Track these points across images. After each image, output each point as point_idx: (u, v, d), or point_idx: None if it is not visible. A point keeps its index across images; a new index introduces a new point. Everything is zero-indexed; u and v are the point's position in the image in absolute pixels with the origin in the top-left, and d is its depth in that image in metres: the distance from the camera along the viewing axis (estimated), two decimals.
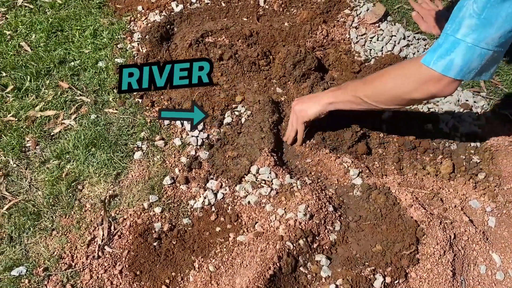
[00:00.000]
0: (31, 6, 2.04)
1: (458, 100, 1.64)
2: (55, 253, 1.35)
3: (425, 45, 1.84)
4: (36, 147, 1.60)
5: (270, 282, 1.13)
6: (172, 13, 1.99)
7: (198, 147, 1.57)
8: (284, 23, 1.94)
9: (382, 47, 1.81)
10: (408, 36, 1.84)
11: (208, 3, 2.03)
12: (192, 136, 1.59)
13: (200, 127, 1.61)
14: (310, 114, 1.40)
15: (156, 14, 1.99)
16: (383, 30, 1.86)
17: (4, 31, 1.94)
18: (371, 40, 1.84)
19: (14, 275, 1.31)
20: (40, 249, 1.37)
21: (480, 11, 0.92)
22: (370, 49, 1.82)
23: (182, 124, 1.63)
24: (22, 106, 1.69)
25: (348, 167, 1.44)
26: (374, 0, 2.01)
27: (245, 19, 1.99)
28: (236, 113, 1.64)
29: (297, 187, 1.37)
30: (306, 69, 1.68)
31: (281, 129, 1.61)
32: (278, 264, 1.16)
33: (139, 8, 2.03)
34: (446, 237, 1.24)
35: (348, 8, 1.95)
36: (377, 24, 1.90)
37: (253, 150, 1.50)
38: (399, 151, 1.52)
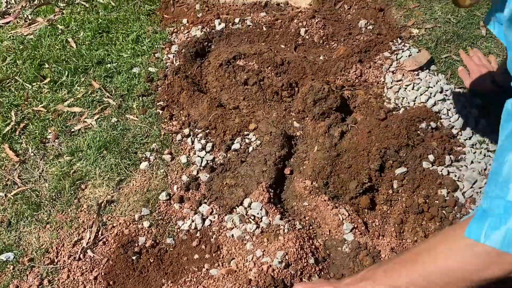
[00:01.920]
0: (87, 5, 2.16)
1: (485, 169, 1.51)
2: (43, 246, 1.41)
3: (464, 102, 1.71)
4: (55, 140, 1.68)
5: None
6: (213, 30, 2.02)
7: (201, 168, 1.57)
8: (320, 56, 1.90)
9: (416, 97, 1.70)
10: (447, 90, 1.71)
11: (250, 25, 2.03)
12: (198, 156, 1.59)
13: (208, 148, 1.61)
14: None
15: (198, 29, 2.02)
16: (420, 79, 1.76)
17: (58, 26, 2.08)
18: (405, 88, 1.74)
19: (2, 259, 1.38)
20: (31, 239, 1.43)
21: None
22: (403, 97, 1.72)
23: (193, 143, 1.64)
24: (53, 99, 1.80)
25: (343, 219, 1.36)
26: (421, 46, 1.91)
27: (282, 46, 1.97)
28: (247, 140, 1.62)
29: (284, 231, 1.32)
30: (326, 107, 1.62)
31: (287, 165, 1.56)
32: None
33: (184, 21, 2.08)
34: None
35: (389, 50, 1.86)
36: (416, 72, 1.79)
37: (251, 182, 1.47)
38: (404, 213, 1.42)
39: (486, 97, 1.73)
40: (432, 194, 1.45)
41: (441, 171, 1.50)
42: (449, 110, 1.67)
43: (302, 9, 2.09)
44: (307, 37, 1.97)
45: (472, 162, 1.54)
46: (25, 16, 2.13)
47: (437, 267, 0.83)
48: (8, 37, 2.03)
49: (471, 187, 1.45)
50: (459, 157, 1.56)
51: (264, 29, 2.02)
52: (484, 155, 1.57)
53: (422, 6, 2.10)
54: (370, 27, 1.98)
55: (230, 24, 2.04)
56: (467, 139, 1.61)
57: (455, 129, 1.62)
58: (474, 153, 1.57)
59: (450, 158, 1.54)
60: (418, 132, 1.59)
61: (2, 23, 2.12)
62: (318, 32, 1.97)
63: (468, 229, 0.79)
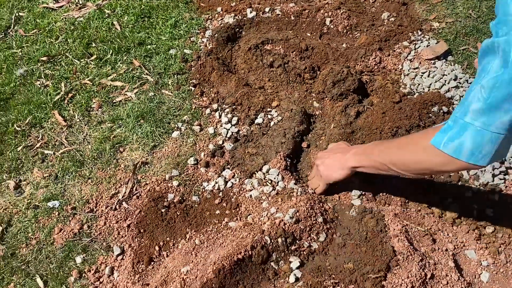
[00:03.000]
0: None
1: None
2: (84, 197, 1.60)
3: None
4: (99, 109, 1.88)
5: (236, 265, 1.25)
6: (244, 18, 2.18)
7: (226, 138, 1.72)
8: (343, 44, 2.03)
9: (430, 84, 1.81)
10: (460, 78, 1.81)
11: (279, 14, 2.18)
12: (225, 128, 1.75)
13: (234, 121, 1.77)
14: (334, 178, 1.41)
15: (231, 17, 2.19)
16: (436, 68, 1.86)
17: (105, 10, 2.29)
18: (421, 75, 1.85)
19: (49, 206, 1.58)
20: (74, 191, 1.63)
21: (486, 95, 0.90)
22: (418, 84, 1.83)
23: (220, 116, 1.80)
24: (98, 74, 2.00)
25: (352, 187, 1.49)
26: (440, 38, 2.01)
27: (308, 34, 2.11)
28: (269, 116, 1.77)
29: (297, 193, 1.46)
30: (344, 89, 1.75)
31: (305, 139, 1.70)
32: (249, 252, 1.27)
33: (219, 9, 2.25)
34: (421, 274, 1.25)
35: (408, 40, 1.97)
36: (433, 61, 1.90)
37: (270, 151, 1.62)
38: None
39: None
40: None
41: None
42: (462, 96, 1.76)
43: (329, 0, 2.22)
44: (332, 26, 2.11)
45: None
46: (77, 1, 2.35)
47: (407, 157, 1.16)
48: (61, 19, 2.26)
49: None
50: None
51: (292, 18, 2.17)
52: None
53: (445, 2, 2.20)
54: (392, 19, 2.09)
55: (261, 12, 2.20)
56: None
57: None
58: None
59: None
60: (430, 115, 1.70)
61: (57, 7, 2.35)
62: (342, 22, 2.10)
63: (434, 138, 1.02)
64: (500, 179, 1.53)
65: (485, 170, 1.54)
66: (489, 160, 0.96)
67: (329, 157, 1.42)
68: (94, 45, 2.12)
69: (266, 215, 1.42)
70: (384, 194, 1.53)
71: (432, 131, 1.06)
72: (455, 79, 1.81)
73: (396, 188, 1.53)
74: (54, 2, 2.37)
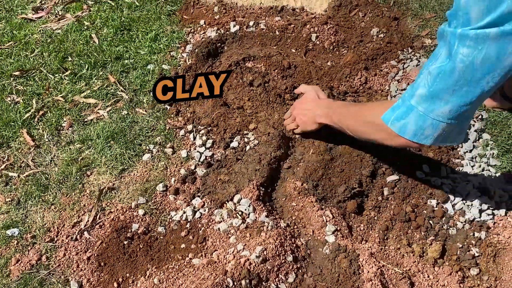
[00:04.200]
0: (112, 4, 2.28)
1: (480, 183, 1.49)
2: (46, 225, 1.52)
3: None
4: (69, 128, 1.80)
5: None
6: (227, 32, 2.08)
7: (199, 163, 1.63)
8: (328, 62, 1.92)
9: None
10: None
11: (263, 28, 2.09)
12: (198, 151, 1.66)
13: (208, 144, 1.67)
14: (310, 129, 1.55)
15: (213, 30, 2.10)
16: None
17: (84, 22, 2.21)
18: None
19: (8, 234, 1.50)
20: (36, 218, 1.54)
21: (431, 82, 0.95)
22: None
23: (194, 139, 1.71)
24: (72, 90, 1.92)
25: (327, 221, 1.39)
26: (429, 55, 1.89)
27: (293, 50, 2.01)
28: (245, 139, 1.67)
29: (267, 228, 1.37)
30: None
31: (282, 165, 1.60)
32: None
33: (202, 22, 2.16)
34: None
35: (396, 59, 1.86)
36: None
37: (243, 179, 1.52)
38: (391, 220, 1.43)
39: (494, 111, 1.71)
40: (422, 203, 1.45)
41: (434, 182, 1.50)
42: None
43: (316, 15, 2.12)
44: (317, 42, 2.01)
45: (468, 175, 1.52)
46: (56, 12, 2.27)
47: (359, 127, 1.29)
48: (39, 31, 2.18)
49: (462, 200, 1.44)
50: (456, 169, 1.55)
51: (277, 33, 2.07)
52: (483, 169, 1.55)
53: (439, 17, 2.09)
54: (382, 35, 1.99)
55: (245, 27, 2.10)
56: (467, 151, 1.60)
57: None
58: (472, 166, 1.55)
59: (446, 169, 1.53)
60: None
61: (35, 18, 2.27)
62: (329, 38, 2.00)
63: (384, 114, 1.10)
64: (488, 215, 1.42)
65: (472, 205, 1.43)
66: (432, 141, 1.03)
67: (305, 108, 1.55)
68: (70, 59, 2.04)
69: (232, 252, 1.32)
70: (362, 229, 1.42)
71: (384, 107, 1.13)
72: None
73: (375, 223, 1.43)
74: (34, 12, 2.29)
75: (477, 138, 1.62)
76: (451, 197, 1.45)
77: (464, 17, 0.85)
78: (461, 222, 1.40)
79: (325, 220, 1.39)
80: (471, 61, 0.86)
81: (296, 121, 1.59)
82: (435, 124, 0.98)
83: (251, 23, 2.10)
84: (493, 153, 1.59)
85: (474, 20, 0.84)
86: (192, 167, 1.62)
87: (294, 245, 1.35)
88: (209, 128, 1.73)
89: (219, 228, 1.42)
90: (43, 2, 2.35)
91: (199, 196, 1.53)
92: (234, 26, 2.10)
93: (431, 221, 1.41)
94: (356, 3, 2.12)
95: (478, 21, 0.83)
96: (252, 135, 1.68)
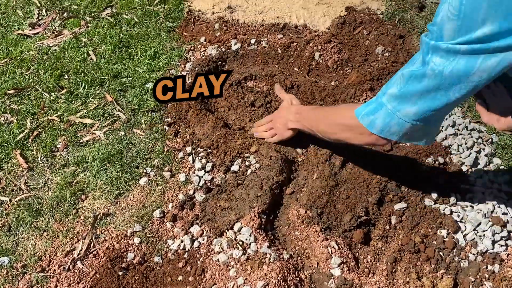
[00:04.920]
0: (111, 20, 2.23)
1: (492, 212, 1.42)
2: (37, 253, 1.45)
3: (477, 138, 1.63)
4: (64, 150, 1.73)
5: None
6: (228, 50, 2.03)
7: (198, 187, 1.57)
8: (332, 81, 1.87)
9: None
10: (459, 125, 1.64)
11: (265, 47, 2.03)
12: (197, 175, 1.59)
13: (208, 168, 1.61)
14: (286, 137, 1.60)
15: (214, 48, 2.04)
16: None
17: (81, 38, 2.15)
18: None
19: None
20: (28, 245, 1.47)
21: (402, 84, 1.00)
22: None
23: (194, 161, 1.64)
24: (67, 109, 1.86)
25: (332, 253, 1.32)
26: None
27: (296, 69, 1.96)
28: (246, 163, 1.61)
29: (269, 260, 1.30)
30: None
31: (284, 191, 1.54)
32: None
33: (202, 39, 2.11)
34: None
35: None
36: None
37: (244, 206, 1.45)
38: (399, 251, 1.36)
39: (504, 134, 1.65)
40: (431, 233, 1.38)
41: (444, 210, 1.43)
42: (460, 145, 1.59)
43: (320, 33, 2.07)
44: (321, 61, 1.95)
45: (479, 203, 1.46)
46: (53, 28, 2.22)
47: (331, 131, 1.36)
48: (35, 47, 2.13)
49: (474, 230, 1.37)
50: (466, 196, 1.48)
51: (279, 51, 2.01)
52: (495, 196, 1.48)
53: None
54: (387, 54, 1.93)
55: (246, 44, 2.05)
56: (477, 177, 1.53)
57: (465, 166, 1.55)
58: (483, 193, 1.49)
59: (456, 196, 1.46)
60: (424, 167, 1.53)
61: (32, 34, 2.22)
62: (332, 57, 1.95)
63: (357, 109, 1.16)
64: (501, 246, 1.35)
65: (484, 235, 1.36)
66: (398, 138, 1.09)
67: (278, 121, 1.60)
68: (66, 77, 1.98)
69: (232, 287, 1.25)
70: (369, 260, 1.35)
71: (355, 106, 1.18)
72: (453, 126, 1.64)
73: (383, 254, 1.36)
74: (30, 28, 2.24)
75: (487, 163, 1.56)
76: (462, 226, 1.39)
77: (438, 33, 0.90)
78: (473, 254, 1.33)
79: (330, 252, 1.32)
80: (440, 71, 0.92)
81: (274, 130, 1.63)
82: (400, 123, 1.04)
83: (252, 41, 2.05)
84: (505, 179, 1.52)
85: (446, 37, 0.89)
86: (191, 192, 1.56)
87: (298, 278, 1.28)
88: (209, 151, 1.66)
89: (218, 259, 1.35)
90: (40, 18, 2.30)
91: (197, 224, 1.46)
92: (235, 43, 2.05)
93: (441, 253, 1.34)
94: (360, 20, 2.07)
95: (449, 39, 0.89)
96: (254, 158, 1.61)
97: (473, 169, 1.55)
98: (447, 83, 0.93)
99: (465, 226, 1.38)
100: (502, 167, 1.57)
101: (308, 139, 1.63)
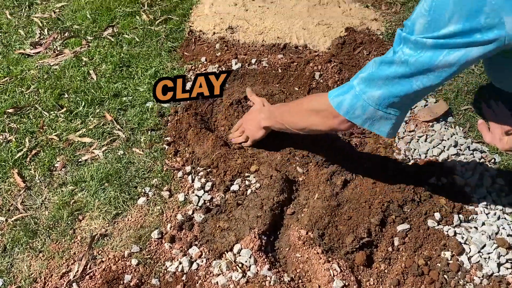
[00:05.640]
0: (112, 39, 2.25)
1: (497, 233, 1.39)
2: (33, 275, 1.41)
3: (479, 159, 1.61)
4: (62, 169, 1.71)
5: None
6: (229, 69, 2.03)
7: (197, 207, 1.54)
8: None
9: (428, 150, 1.62)
10: (461, 145, 1.63)
11: (266, 66, 2.04)
12: (196, 195, 1.57)
13: (207, 187, 1.59)
14: (258, 137, 1.65)
15: (215, 68, 2.05)
16: (434, 131, 1.68)
17: (82, 57, 2.16)
18: (418, 139, 1.67)
19: None
20: (23, 267, 1.44)
21: (374, 69, 1.07)
22: (414, 149, 1.64)
23: (193, 181, 1.62)
24: (67, 128, 1.84)
25: (334, 275, 1.29)
26: (440, 96, 1.84)
27: (296, 88, 1.95)
28: (246, 182, 1.59)
29: (270, 283, 1.26)
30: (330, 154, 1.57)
31: (285, 211, 1.51)
32: None
33: (203, 59, 2.11)
34: None
35: None
36: (430, 123, 1.72)
37: (244, 227, 1.42)
38: (403, 274, 1.33)
39: (506, 154, 1.63)
40: (435, 256, 1.35)
41: (447, 231, 1.40)
42: (463, 166, 1.57)
43: (320, 53, 2.08)
44: (321, 81, 1.95)
45: (483, 224, 1.43)
46: (55, 47, 2.23)
47: (302, 121, 1.39)
48: (36, 66, 2.13)
49: (479, 252, 1.34)
50: (469, 218, 1.46)
51: (280, 71, 2.01)
52: (498, 218, 1.46)
53: None
54: None
55: (247, 64, 2.05)
56: (480, 198, 1.51)
57: (468, 186, 1.53)
58: (487, 214, 1.46)
59: (459, 218, 1.44)
60: (426, 187, 1.51)
61: (33, 53, 2.23)
62: (333, 76, 1.95)
63: (330, 92, 1.22)
64: (507, 269, 1.32)
65: (489, 258, 1.33)
66: (361, 122, 1.13)
67: (249, 124, 1.66)
68: (66, 96, 1.98)
69: None
70: (371, 283, 1.32)
71: (325, 94, 1.25)
72: (455, 146, 1.62)
73: (386, 277, 1.33)
74: (31, 48, 2.25)
75: (491, 184, 1.54)
76: (466, 248, 1.36)
77: (411, 27, 0.99)
78: (479, 277, 1.30)
79: (332, 274, 1.29)
80: (406, 59, 0.99)
81: (245, 133, 1.68)
82: (364, 106, 1.09)
83: (253, 61, 2.05)
84: (509, 200, 1.50)
85: (416, 31, 0.97)
86: (190, 212, 1.53)
87: None
88: (208, 170, 1.64)
89: (217, 282, 1.31)
90: (41, 37, 2.31)
91: (196, 245, 1.44)
92: (236, 63, 2.05)
93: (445, 276, 1.31)
94: (360, 41, 2.08)
95: (419, 33, 0.97)
96: (254, 177, 1.59)
97: (477, 189, 1.53)
98: (411, 71, 1.00)
99: (470, 248, 1.35)
100: (505, 187, 1.55)
101: (309, 157, 1.62)
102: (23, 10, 2.47)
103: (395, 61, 1.02)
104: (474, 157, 1.61)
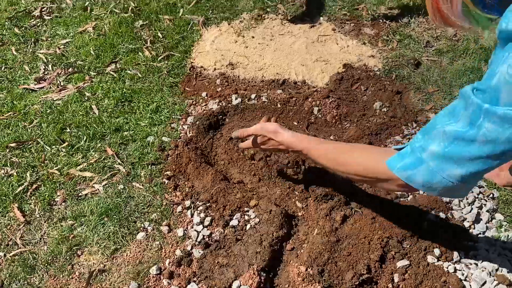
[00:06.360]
0: (115, 75, 2.29)
1: (497, 270, 1.38)
2: None
3: (478, 194, 1.62)
4: (62, 203, 1.72)
5: None
6: (229, 104, 2.07)
7: (196, 243, 1.54)
8: (331, 135, 1.88)
9: None
10: None
11: (265, 101, 2.07)
12: (195, 230, 1.57)
13: (206, 222, 1.59)
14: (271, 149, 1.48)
15: (215, 102, 2.08)
16: None
17: (85, 93, 2.20)
18: None
19: None
20: None
21: (446, 143, 0.92)
22: None
23: (192, 216, 1.63)
24: (68, 162, 1.86)
25: None
26: None
27: (295, 123, 1.98)
28: (246, 217, 1.59)
29: None
30: (329, 189, 1.58)
31: (285, 247, 1.51)
32: None
33: (204, 94, 2.15)
34: None
35: (401, 134, 1.82)
36: None
37: (242, 263, 1.42)
38: None
39: (505, 189, 1.64)
40: None
41: (447, 268, 1.40)
42: (461, 201, 1.58)
43: (318, 88, 2.12)
44: (319, 116, 1.98)
45: (483, 260, 1.42)
46: (58, 82, 2.28)
47: (352, 166, 1.18)
48: (39, 101, 2.17)
49: None
50: (470, 253, 1.45)
51: (279, 105, 2.05)
52: (499, 254, 1.45)
53: (442, 91, 2.08)
54: (385, 109, 1.96)
55: (246, 99, 2.09)
56: (480, 233, 1.51)
57: (467, 221, 1.53)
58: (486, 250, 1.46)
59: (459, 253, 1.43)
60: (425, 222, 1.51)
61: (37, 88, 2.27)
62: (331, 111, 1.98)
63: (390, 159, 1.05)
64: None
65: None
66: (438, 194, 1.00)
67: (270, 148, 1.48)
68: (68, 130, 2.01)
69: None
70: None
71: (385, 153, 1.10)
72: None
73: None
74: (36, 83, 2.29)
75: (489, 219, 1.54)
76: (467, 285, 1.35)
77: (493, 95, 0.83)
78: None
79: None
80: (494, 137, 0.85)
81: (262, 140, 1.48)
82: (444, 182, 0.96)
83: (253, 96, 2.09)
84: (508, 235, 1.50)
85: (503, 102, 0.82)
86: (189, 248, 1.53)
87: None
88: (208, 204, 1.65)
89: None
90: (46, 73, 2.36)
91: (195, 282, 1.42)
92: (236, 98, 2.09)
93: None
94: (358, 77, 2.13)
95: (508, 104, 0.81)
96: (253, 212, 1.60)
97: (476, 225, 1.53)
98: (501, 148, 0.86)
99: (470, 285, 1.34)
100: (504, 223, 1.55)
101: (308, 192, 1.63)
102: (29, 46, 2.53)
103: (478, 140, 0.88)
104: (472, 192, 1.61)
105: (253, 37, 2.48)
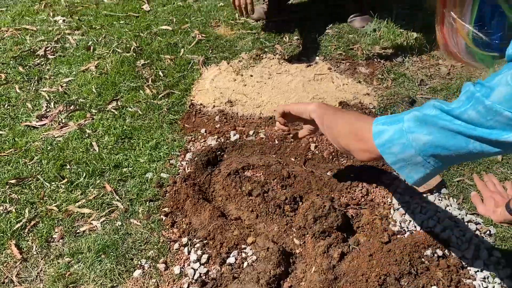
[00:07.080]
0: (116, 112, 2.34)
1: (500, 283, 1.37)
2: None
3: (475, 230, 1.62)
4: (60, 240, 1.72)
5: None
6: (227, 140, 2.10)
7: (193, 281, 1.53)
8: (328, 171, 1.90)
9: (423, 222, 1.64)
10: (456, 216, 1.64)
11: (263, 137, 2.10)
12: (192, 268, 1.56)
13: (203, 260, 1.58)
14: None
15: (214, 139, 2.11)
16: (429, 203, 1.71)
17: (86, 130, 2.24)
18: (413, 211, 1.69)
19: None
20: None
21: (432, 112, 0.92)
22: (409, 221, 1.66)
23: (189, 253, 1.62)
24: (67, 199, 1.87)
25: None
26: None
27: (292, 159, 2.01)
28: (243, 254, 1.59)
29: None
30: (327, 226, 1.59)
31: (282, 285, 1.50)
32: None
33: (202, 130, 2.19)
34: None
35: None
36: (424, 195, 1.75)
37: None
38: None
39: (501, 226, 1.64)
40: None
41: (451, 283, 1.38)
42: (459, 238, 1.58)
43: None
44: (317, 152, 2.01)
45: None
46: (60, 119, 2.32)
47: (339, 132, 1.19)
48: (40, 138, 2.20)
49: None
50: None
51: (276, 142, 2.08)
52: None
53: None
54: None
55: (244, 135, 2.12)
56: (477, 271, 1.50)
57: (465, 259, 1.53)
58: (485, 287, 1.45)
59: None
60: (423, 259, 1.51)
61: (39, 125, 2.31)
62: (327, 148, 2.01)
63: (380, 117, 1.05)
64: None
65: None
66: (392, 161, 0.99)
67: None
68: (68, 167, 2.03)
69: None
70: None
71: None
72: (450, 218, 1.64)
73: None
74: (38, 120, 2.33)
75: (487, 256, 1.54)
76: None
77: (488, 91, 0.86)
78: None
79: None
80: (473, 127, 0.87)
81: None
82: (405, 146, 0.96)
83: (251, 132, 2.13)
84: (506, 273, 1.49)
85: (493, 97, 0.85)
86: (185, 286, 1.52)
87: None
88: (205, 241, 1.65)
89: None
90: (48, 110, 2.41)
91: None
92: (234, 134, 2.12)
93: None
94: None
95: (495, 100, 0.84)
96: (250, 249, 1.59)
97: (474, 262, 1.52)
98: (472, 135, 0.88)
99: None
100: (502, 260, 1.54)
101: (305, 228, 1.63)
102: (32, 84, 2.59)
103: (461, 119, 0.89)
104: (470, 228, 1.62)
105: (251, 75, 2.54)
